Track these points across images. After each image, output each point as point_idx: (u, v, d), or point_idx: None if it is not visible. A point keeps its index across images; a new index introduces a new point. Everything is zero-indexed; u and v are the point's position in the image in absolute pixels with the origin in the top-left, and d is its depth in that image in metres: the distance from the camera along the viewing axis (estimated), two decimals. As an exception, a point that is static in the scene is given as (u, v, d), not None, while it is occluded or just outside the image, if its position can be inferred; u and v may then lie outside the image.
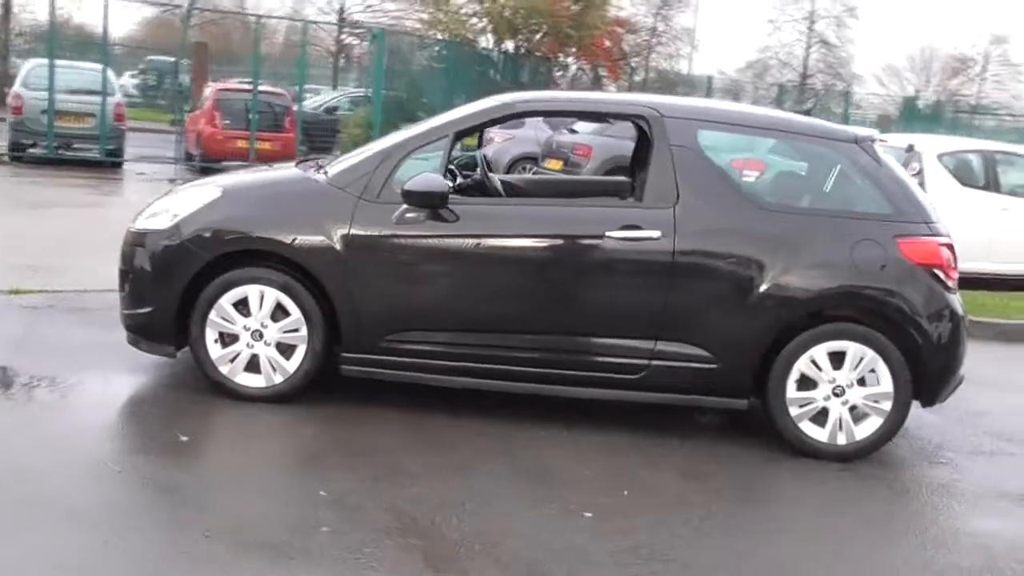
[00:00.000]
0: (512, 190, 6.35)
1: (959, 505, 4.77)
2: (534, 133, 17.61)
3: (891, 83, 51.27)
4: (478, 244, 5.11)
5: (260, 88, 17.96)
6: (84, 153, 16.76)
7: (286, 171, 5.82)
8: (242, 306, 5.16)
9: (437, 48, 22.15)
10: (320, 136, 19.75)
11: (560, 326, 5.15)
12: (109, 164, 16.80)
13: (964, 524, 4.52)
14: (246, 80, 20.65)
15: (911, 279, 5.14)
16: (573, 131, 16.86)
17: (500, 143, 17.72)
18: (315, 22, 29.96)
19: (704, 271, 5.11)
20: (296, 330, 5.16)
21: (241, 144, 17.36)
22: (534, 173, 17.33)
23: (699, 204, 5.13)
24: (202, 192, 5.38)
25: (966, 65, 53.42)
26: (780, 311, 5.09)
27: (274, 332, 5.16)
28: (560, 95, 5.74)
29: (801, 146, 5.53)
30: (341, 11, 40.45)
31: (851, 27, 49.85)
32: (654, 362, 5.14)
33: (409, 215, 5.08)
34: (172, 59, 32.46)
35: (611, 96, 5.61)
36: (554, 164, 16.32)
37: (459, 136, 5.43)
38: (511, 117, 5.56)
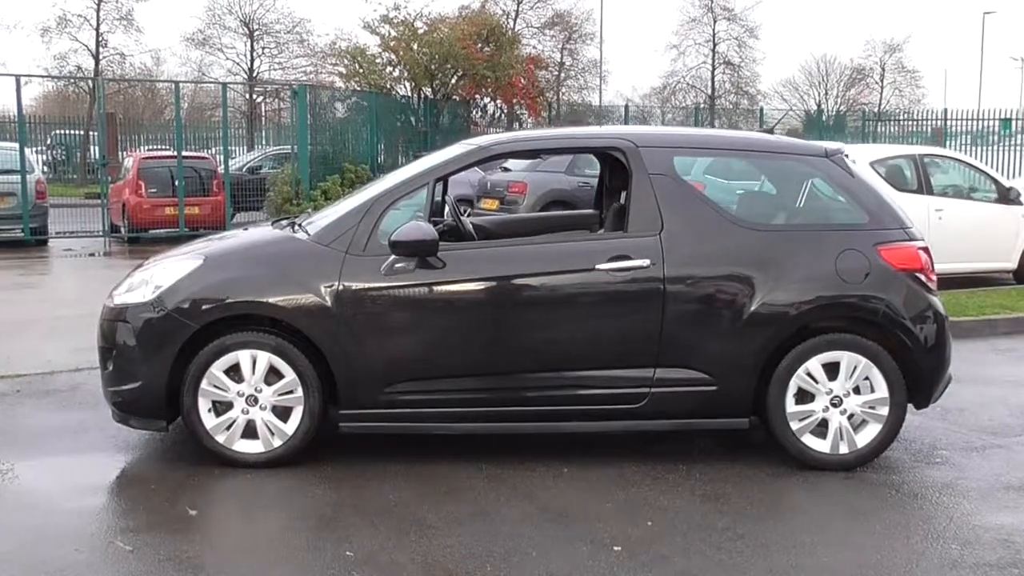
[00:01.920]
0: (484, 232, 6.34)
1: (969, 503, 4.84)
2: (465, 175, 17.62)
3: (792, 97, 52.64)
4: (471, 288, 5.09)
5: (184, 153, 17.71)
6: (6, 233, 16.30)
7: (265, 233, 5.72)
8: (234, 372, 5.05)
9: (356, 99, 22.12)
10: (246, 196, 19.54)
11: (560, 362, 5.14)
12: (33, 243, 16.37)
13: (980, 520, 4.59)
14: (155, 147, 20.29)
15: (895, 285, 5.25)
16: (506, 169, 16.95)
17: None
18: (231, 83, 29.65)
19: (695, 295, 5.16)
20: (291, 392, 5.06)
21: (169, 211, 17.11)
22: (469, 215, 17.35)
23: (684, 229, 5.19)
24: (182, 262, 5.26)
25: (863, 75, 55.17)
26: (773, 328, 5.15)
27: (269, 396, 5.06)
28: (532, 134, 5.77)
29: (774, 164, 5.65)
30: (251, 71, 40.25)
31: (753, 47, 51.11)
32: (655, 390, 5.16)
33: (398, 265, 5.04)
34: (79, 132, 31.97)
35: (583, 130, 5.65)
36: (490, 204, 16.37)
37: (438, 182, 5.43)
38: (487, 160, 5.57)
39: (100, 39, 36.62)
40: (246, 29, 40.85)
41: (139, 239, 17.01)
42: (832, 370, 5.21)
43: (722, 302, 5.15)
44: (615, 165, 5.95)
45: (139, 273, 5.42)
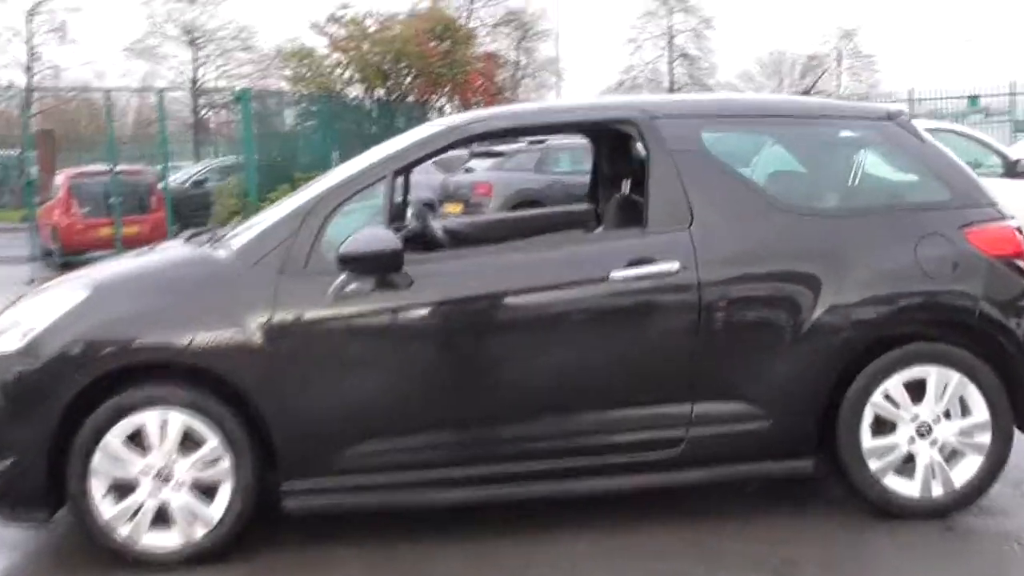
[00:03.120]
0: (457, 238, 5.12)
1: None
2: (426, 177, 16.41)
3: (747, 89, 51.97)
4: (448, 311, 3.88)
5: (119, 168, 16.33)
6: (-75, 263, 14.85)
7: (174, 251, 4.45)
8: (138, 440, 3.78)
9: (305, 104, 20.80)
10: (191, 212, 18.21)
11: (570, 402, 3.94)
12: (-49, 273, 14.92)
13: None
14: (98, 164, 18.94)
15: (991, 276, 4.10)
16: (469, 169, 15.76)
17: (391, 192, 16.53)
18: (168, 89, 28.14)
19: (740, 304, 3.98)
20: (216, 462, 3.80)
21: (104, 231, 15.70)
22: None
23: (720, 220, 4.01)
24: (63, 294, 3.99)
25: (819, 63, 54.71)
26: (840, 340, 3.99)
27: (186, 470, 3.79)
28: (521, 108, 4.56)
29: (827, 132, 4.45)
30: (195, 81, 38.69)
31: (709, 38, 50.53)
32: (693, 431, 3.97)
33: (351, 287, 3.81)
34: (13, 152, 30.26)
35: (581, 103, 4.46)
36: (454, 207, 15.15)
37: (399, 175, 4.20)
38: (462, 142, 4.33)
39: (32, 53, 34.98)
40: (188, 37, 39.34)
41: (72, 263, 15.58)
42: (916, 390, 4.06)
43: (775, 311, 3.98)
44: (616, 146, 4.79)
45: (9, 311, 4.14)
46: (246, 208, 16.05)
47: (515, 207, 14.58)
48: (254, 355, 3.77)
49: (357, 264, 3.75)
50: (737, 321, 3.98)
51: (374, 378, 3.89)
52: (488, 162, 15.53)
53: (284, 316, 3.79)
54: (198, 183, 21.91)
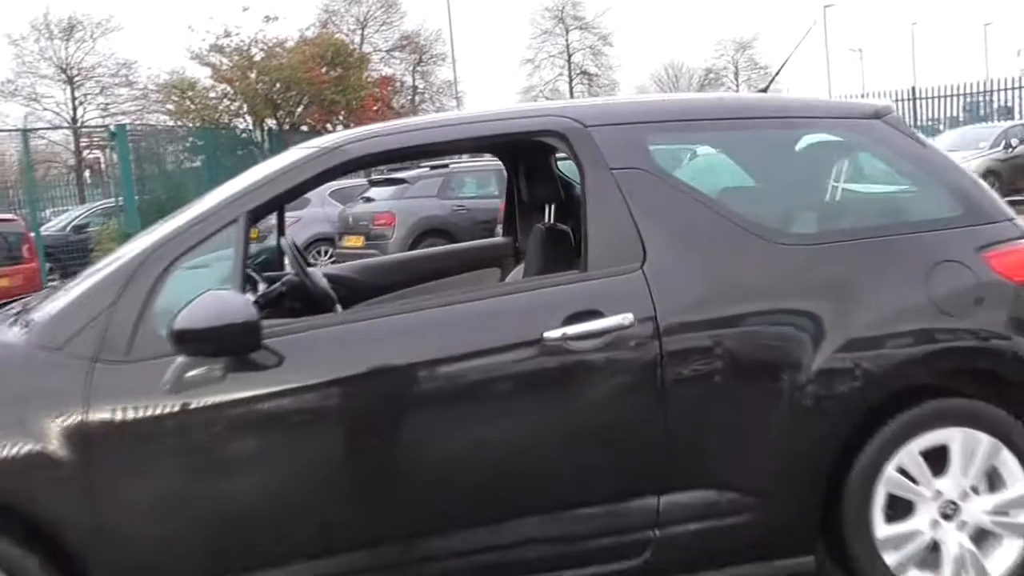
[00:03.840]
0: (348, 289, 4.11)
1: None
2: (323, 210, 15.37)
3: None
4: (332, 397, 2.87)
5: (-19, 216, 14.90)
6: None
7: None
8: None
9: (192, 139, 19.53)
10: (71, 259, 16.82)
11: (497, 508, 2.97)
12: None
13: None
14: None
15: (1022, 309, 3.27)
16: (368, 199, 14.73)
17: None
18: (33, 130, 26.30)
19: (713, 363, 3.06)
20: (15, 626, 2.73)
21: (-32, 288, 14.22)
22: (331, 257, 15.10)
23: (681, 256, 3.09)
24: None
25: (716, 75, 55.34)
26: (843, 401, 3.10)
27: (-28, 641, 2.72)
28: (416, 122, 3.54)
29: (803, 136, 3.57)
30: (74, 120, 36.68)
31: (608, 55, 50.58)
32: (661, 531, 3.04)
33: (193, 372, 2.77)
34: None
35: (496, 110, 3.50)
36: (354, 241, 14.11)
37: (257, 216, 3.14)
38: (342, 169, 3.30)
39: None
40: (64, 75, 37.33)
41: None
42: (937, 459, 3.20)
43: (760, 369, 3.07)
44: (538, 164, 3.86)
45: None
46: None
47: (420, 236, 13.66)
48: (60, 472, 2.72)
49: (197, 343, 2.71)
50: (711, 385, 3.05)
51: (236, 493, 2.85)
52: (389, 190, 14.54)
53: (101, 416, 2.74)
54: (79, 228, 20.46)
